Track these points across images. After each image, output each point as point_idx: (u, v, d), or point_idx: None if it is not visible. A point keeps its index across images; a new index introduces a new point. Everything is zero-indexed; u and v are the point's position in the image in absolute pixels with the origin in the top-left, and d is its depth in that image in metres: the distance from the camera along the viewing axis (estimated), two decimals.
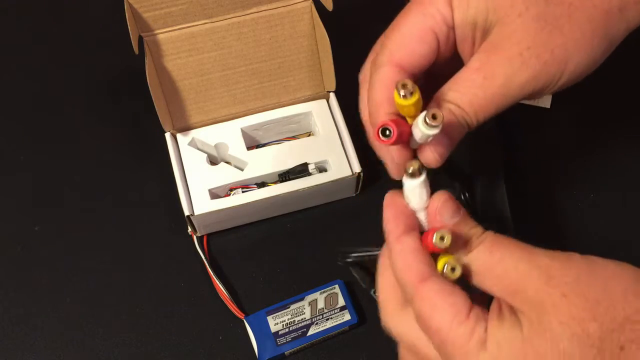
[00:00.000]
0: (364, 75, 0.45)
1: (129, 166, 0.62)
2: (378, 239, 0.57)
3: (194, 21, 0.57)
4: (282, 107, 0.61)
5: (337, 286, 0.53)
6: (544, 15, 0.38)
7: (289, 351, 0.52)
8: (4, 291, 0.56)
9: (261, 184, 0.57)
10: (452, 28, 0.40)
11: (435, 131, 0.35)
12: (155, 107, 0.55)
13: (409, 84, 0.35)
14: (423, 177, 0.37)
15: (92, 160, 0.63)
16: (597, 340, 0.31)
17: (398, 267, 0.36)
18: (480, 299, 0.35)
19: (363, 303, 0.54)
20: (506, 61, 0.38)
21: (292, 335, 0.52)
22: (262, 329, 0.52)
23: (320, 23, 0.57)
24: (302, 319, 0.52)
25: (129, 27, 0.53)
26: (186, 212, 0.55)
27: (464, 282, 0.36)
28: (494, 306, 0.34)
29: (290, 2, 0.58)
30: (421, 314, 0.34)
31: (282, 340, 0.52)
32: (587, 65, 0.42)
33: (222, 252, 0.57)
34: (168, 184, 0.57)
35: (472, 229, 0.36)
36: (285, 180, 0.57)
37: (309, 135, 0.61)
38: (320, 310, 0.53)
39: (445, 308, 0.33)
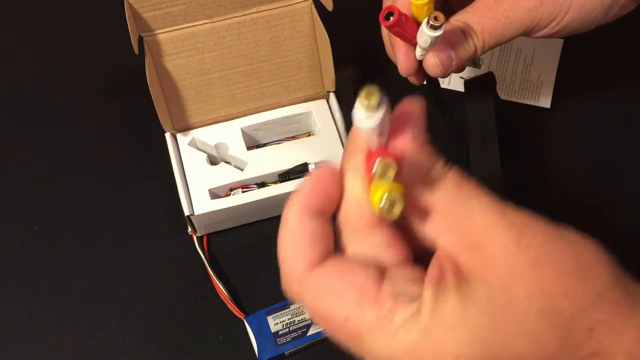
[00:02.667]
0: None
1: (129, 166, 0.62)
2: None
3: (194, 21, 0.57)
4: (282, 107, 0.61)
5: None
6: None
7: (289, 351, 0.52)
8: (4, 291, 0.56)
9: (261, 184, 0.57)
10: None
11: (437, 33, 0.38)
12: (155, 107, 0.55)
13: None
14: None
15: (91, 160, 0.63)
16: (567, 318, 0.26)
17: (285, 251, 0.29)
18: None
19: None
20: None
21: (292, 335, 0.52)
22: (262, 329, 0.52)
23: (320, 23, 0.57)
24: (302, 319, 0.52)
25: (129, 27, 0.53)
26: (186, 212, 0.55)
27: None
28: (430, 273, 0.28)
29: (290, 2, 0.58)
30: (317, 312, 0.28)
31: (282, 340, 0.52)
32: (595, 8, 0.43)
33: (222, 252, 0.57)
34: (168, 184, 0.57)
35: (432, 157, 0.29)
36: (285, 180, 0.57)
37: (309, 135, 0.61)
38: None
39: (345, 291, 0.27)
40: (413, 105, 0.29)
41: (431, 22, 0.39)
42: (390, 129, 0.28)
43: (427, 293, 0.27)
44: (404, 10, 0.40)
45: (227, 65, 0.59)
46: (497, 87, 0.60)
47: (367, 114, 0.26)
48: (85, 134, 0.64)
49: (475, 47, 0.43)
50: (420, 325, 0.26)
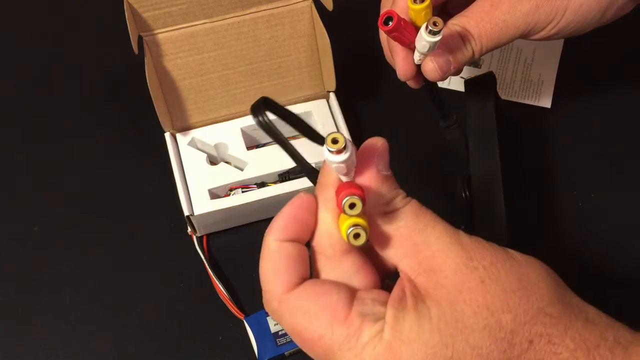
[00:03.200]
0: None
1: (128, 166, 0.62)
2: None
3: (193, 21, 0.57)
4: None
5: None
6: None
7: (289, 351, 0.51)
8: (4, 291, 0.56)
9: (261, 184, 0.57)
10: None
11: (436, 38, 0.39)
12: (155, 107, 0.55)
13: None
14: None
15: (91, 160, 0.63)
16: (508, 333, 0.29)
17: (265, 275, 0.32)
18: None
19: None
20: None
21: None
22: (262, 329, 0.52)
23: (320, 23, 0.57)
24: None
25: (129, 27, 0.53)
26: (186, 212, 0.55)
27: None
28: (394, 294, 0.31)
29: (290, 1, 0.58)
30: (294, 329, 0.31)
31: (282, 340, 0.52)
32: (592, 10, 0.43)
33: (222, 252, 0.57)
34: (168, 184, 0.57)
35: (394, 190, 0.32)
36: (285, 180, 0.57)
37: None
38: None
39: (319, 312, 0.30)
40: (377, 143, 0.33)
41: (430, 28, 0.39)
42: (355, 165, 0.31)
43: (389, 313, 0.30)
44: (402, 15, 0.40)
45: (226, 65, 0.59)
46: (498, 86, 0.60)
47: (334, 155, 0.30)
48: (84, 134, 0.64)
49: (473, 51, 0.43)
50: (383, 342, 0.29)
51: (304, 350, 0.32)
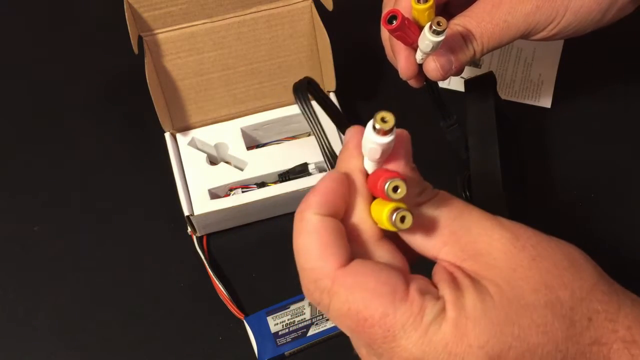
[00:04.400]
0: None
1: (128, 166, 0.62)
2: None
3: (193, 21, 0.57)
4: (282, 107, 0.61)
5: None
6: None
7: (289, 352, 0.52)
8: (4, 291, 0.56)
9: (261, 184, 0.57)
10: None
11: (439, 38, 0.39)
12: (155, 107, 0.55)
13: None
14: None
15: (91, 160, 0.62)
16: (569, 310, 0.29)
17: (309, 250, 0.30)
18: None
19: None
20: None
21: (292, 335, 0.52)
22: (262, 330, 0.52)
23: (320, 23, 0.57)
24: (302, 320, 0.52)
25: (129, 27, 0.53)
26: (186, 212, 0.55)
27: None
28: (441, 276, 0.30)
29: (290, 1, 0.58)
30: (352, 307, 0.28)
31: (282, 340, 0.52)
32: (592, 11, 0.43)
33: (222, 252, 0.57)
34: (168, 184, 0.57)
35: (422, 181, 0.32)
36: (285, 180, 0.57)
37: (309, 135, 0.61)
38: (320, 311, 0.52)
39: (380, 288, 0.28)
40: (402, 132, 0.31)
41: (434, 27, 0.39)
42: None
43: (447, 291, 0.29)
44: (405, 14, 0.40)
45: (227, 65, 0.59)
46: (498, 86, 0.60)
47: (379, 137, 0.28)
48: (84, 134, 0.64)
49: (475, 51, 0.44)
50: (448, 320, 0.28)
51: (356, 334, 0.29)
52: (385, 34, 0.47)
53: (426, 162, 0.61)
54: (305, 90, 0.31)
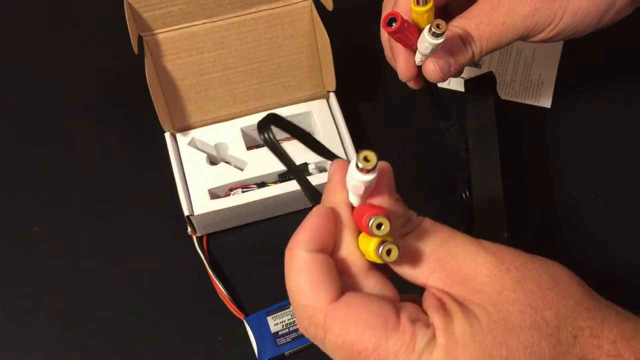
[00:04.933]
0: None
1: (128, 166, 0.62)
2: None
3: (193, 21, 0.57)
4: (282, 107, 0.61)
5: None
6: None
7: (289, 351, 0.51)
8: (4, 291, 0.56)
9: (261, 184, 0.57)
10: None
11: (439, 40, 0.39)
12: (155, 107, 0.55)
13: None
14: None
15: (91, 160, 0.63)
16: (554, 329, 0.30)
17: (301, 287, 0.30)
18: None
19: None
20: None
21: (292, 335, 0.52)
22: (262, 330, 0.52)
23: (320, 23, 0.57)
24: None
25: (129, 27, 0.53)
26: (186, 212, 0.55)
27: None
28: (431, 302, 0.31)
29: (290, 1, 0.58)
30: (346, 340, 0.29)
31: (282, 340, 0.52)
32: (590, 13, 0.43)
33: (222, 252, 0.57)
34: (168, 184, 0.57)
35: (407, 211, 0.32)
36: (285, 180, 0.57)
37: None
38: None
39: (372, 320, 0.29)
40: (384, 166, 0.32)
41: (433, 30, 0.39)
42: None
43: (436, 318, 0.30)
44: (404, 17, 0.40)
45: (227, 65, 0.59)
46: (498, 86, 0.60)
47: (362, 175, 0.29)
48: (84, 134, 0.64)
49: (473, 53, 0.44)
50: (439, 346, 0.29)
51: None
52: (384, 35, 0.47)
53: (425, 162, 0.61)
54: (269, 127, 0.31)
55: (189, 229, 0.57)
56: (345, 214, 0.32)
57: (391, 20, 0.39)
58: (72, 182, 0.61)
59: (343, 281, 0.31)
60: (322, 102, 0.61)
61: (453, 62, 0.43)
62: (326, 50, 0.57)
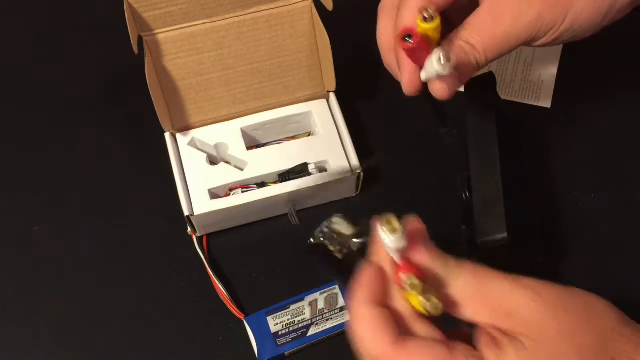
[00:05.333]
0: (383, 5, 0.47)
1: (128, 166, 0.62)
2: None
3: (193, 21, 0.57)
4: (282, 107, 0.61)
5: (337, 287, 0.53)
6: None
7: (289, 352, 0.52)
8: (4, 291, 0.56)
9: (261, 184, 0.57)
10: None
11: (446, 71, 0.39)
12: (155, 107, 0.55)
13: (431, 9, 0.39)
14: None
15: (91, 160, 0.63)
16: (594, 355, 0.32)
17: (365, 335, 0.34)
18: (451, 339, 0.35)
19: None
20: (514, 3, 0.42)
21: (292, 335, 0.52)
22: (262, 330, 0.52)
23: (320, 23, 0.57)
24: (302, 320, 0.52)
25: (129, 27, 0.53)
26: (186, 212, 0.55)
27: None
28: (483, 339, 0.34)
29: (290, 1, 0.58)
30: None
31: (282, 340, 0.52)
32: (592, 15, 0.43)
33: (222, 252, 0.57)
34: (168, 184, 0.57)
35: (445, 259, 0.35)
36: (285, 180, 0.57)
37: (309, 135, 0.61)
38: (320, 311, 0.53)
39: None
40: (417, 223, 0.35)
41: (442, 62, 0.39)
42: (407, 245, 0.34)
43: (487, 351, 0.33)
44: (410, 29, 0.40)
45: (227, 65, 0.59)
46: (498, 86, 0.60)
47: (389, 237, 0.33)
48: (85, 134, 0.64)
49: (478, 64, 0.43)
50: None
51: None
52: (386, 44, 0.46)
53: (425, 161, 0.61)
54: None
55: (189, 229, 0.57)
56: (390, 270, 0.35)
57: (408, 36, 0.39)
58: (72, 182, 0.61)
59: (398, 327, 0.34)
60: (322, 102, 0.61)
61: (460, 76, 0.42)
62: (326, 50, 0.57)
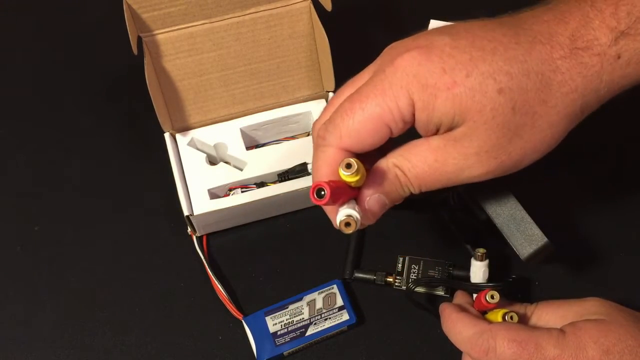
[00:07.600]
0: (317, 132, 0.43)
1: (128, 166, 0.62)
2: (376, 239, 0.57)
3: (192, 21, 0.57)
4: (281, 107, 0.61)
5: (335, 286, 0.53)
6: (509, 124, 0.39)
7: (288, 351, 0.52)
8: (4, 291, 0.56)
9: (260, 184, 0.57)
10: (409, 123, 0.41)
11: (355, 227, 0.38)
12: (154, 107, 0.55)
13: (353, 164, 0.36)
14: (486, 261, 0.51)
15: (91, 161, 0.63)
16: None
17: (461, 325, 0.46)
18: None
19: (361, 303, 0.54)
20: (462, 156, 0.40)
21: (291, 335, 0.52)
22: (260, 329, 0.52)
23: (319, 23, 0.57)
24: (300, 319, 0.52)
25: (128, 28, 0.53)
26: (185, 212, 0.55)
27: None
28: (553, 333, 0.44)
29: (289, 2, 0.58)
30: (516, 338, 0.43)
31: (280, 340, 0.52)
32: (544, 153, 0.43)
33: (221, 252, 0.57)
34: (167, 184, 0.57)
35: (516, 306, 0.49)
36: (285, 180, 0.57)
37: (308, 135, 0.61)
38: (318, 311, 0.53)
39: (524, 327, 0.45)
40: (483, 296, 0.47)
41: (343, 171, 0.37)
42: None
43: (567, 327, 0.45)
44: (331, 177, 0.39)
45: (226, 65, 0.59)
46: None
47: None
48: (84, 134, 0.64)
49: (411, 194, 0.42)
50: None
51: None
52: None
53: None
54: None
55: (189, 229, 0.57)
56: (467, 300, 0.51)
57: (320, 190, 0.35)
58: (71, 182, 0.61)
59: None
60: (321, 102, 0.61)
61: (389, 204, 0.42)
62: (325, 51, 0.57)
